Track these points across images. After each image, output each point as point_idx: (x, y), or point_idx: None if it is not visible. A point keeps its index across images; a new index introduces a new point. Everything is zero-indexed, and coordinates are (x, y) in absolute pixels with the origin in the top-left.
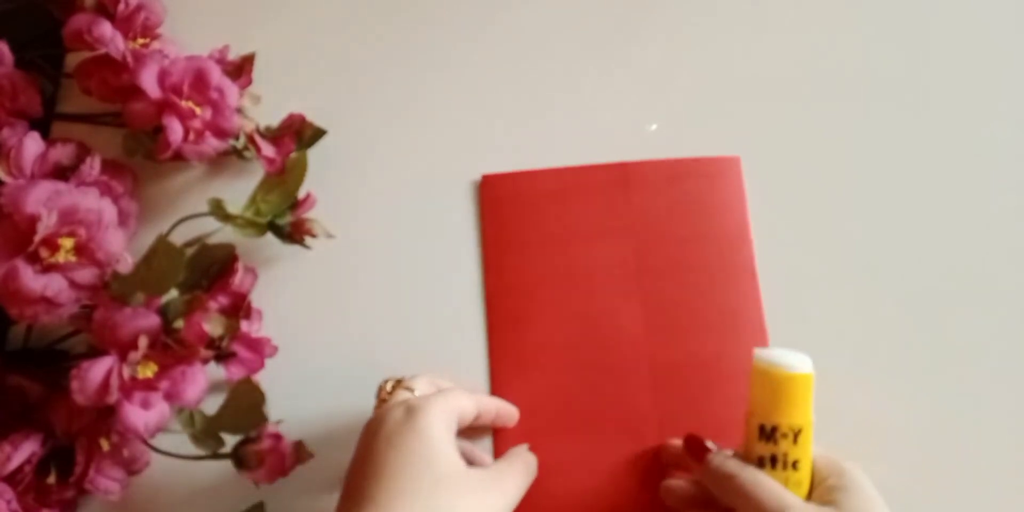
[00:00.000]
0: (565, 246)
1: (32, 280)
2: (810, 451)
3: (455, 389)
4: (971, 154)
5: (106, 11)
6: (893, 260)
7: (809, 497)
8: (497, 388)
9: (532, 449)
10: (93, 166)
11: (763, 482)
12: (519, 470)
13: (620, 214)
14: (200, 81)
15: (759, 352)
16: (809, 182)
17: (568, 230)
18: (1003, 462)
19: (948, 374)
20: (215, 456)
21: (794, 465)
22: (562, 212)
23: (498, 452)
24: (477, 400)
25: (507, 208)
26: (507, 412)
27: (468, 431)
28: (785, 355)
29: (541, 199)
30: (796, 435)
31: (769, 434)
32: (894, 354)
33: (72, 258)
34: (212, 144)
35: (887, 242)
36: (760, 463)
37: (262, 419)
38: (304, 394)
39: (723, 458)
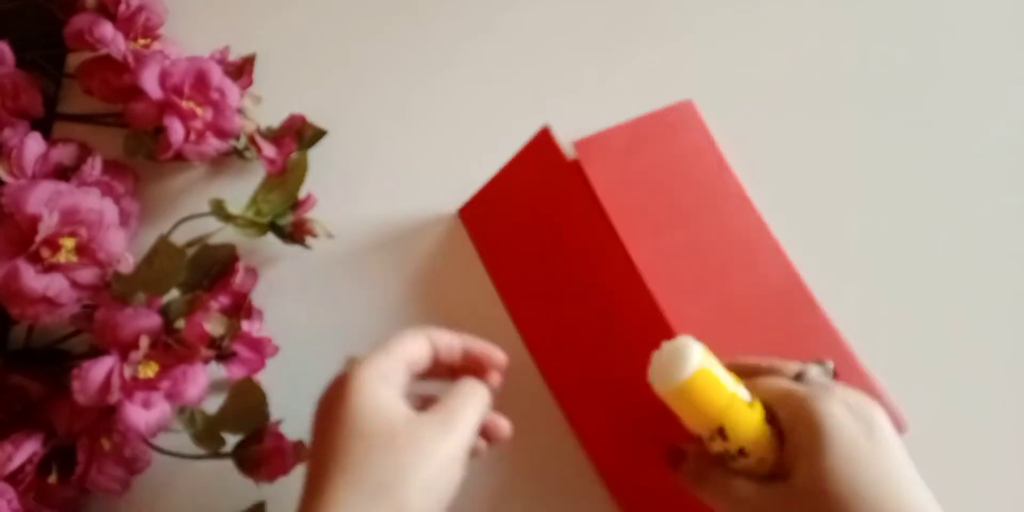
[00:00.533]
0: (556, 241)
1: (33, 280)
2: (750, 430)
3: (403, 335)
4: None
5: (107, 12)
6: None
7: (780, 464)
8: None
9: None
10: (94, 166)
11: (713, 489)
12: (469, 404)
13: (595, 192)
14: (201, 82)
15: (650, 372)
16: (809, 182)
17: (554, 222)
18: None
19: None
20: (216, 455)
21: (741, 452)
22: (541, 207)
23: None
24: (429, 338)
25: (491, 225)
26: (481, 348)
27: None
28: (663, 366)
29: (516, 199)
30: (720, 432)
31: (703, 440)
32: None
33: (73, 258)
34: (213, 144)
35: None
36: (720, 461)
37: (263, 418)
38: (304, 394)
39: (687, 468)
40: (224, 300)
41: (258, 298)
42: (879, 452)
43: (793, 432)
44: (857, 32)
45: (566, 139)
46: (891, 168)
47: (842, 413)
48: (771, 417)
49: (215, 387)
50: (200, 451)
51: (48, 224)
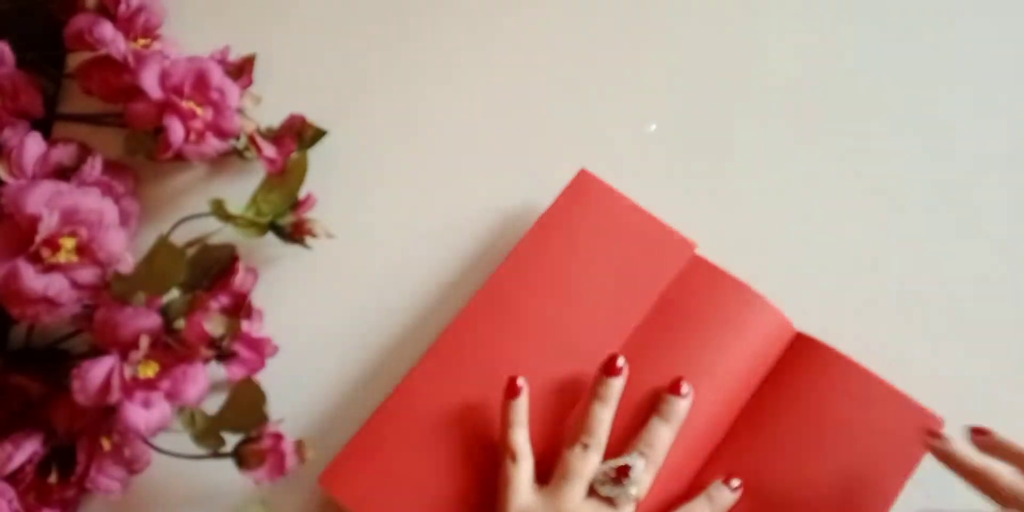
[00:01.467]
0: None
1: (33, 280)
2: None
3: None
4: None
5: (107, 12)
6: None
7: None
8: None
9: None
10: (94, 166)
11: None
12: None
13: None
14: (201, 82)
15: None
16: (808, 182)
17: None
18: None
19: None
20: (216, 455)
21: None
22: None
23: None
24: None
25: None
26: None
27: None
28: None
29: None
30: None
31: None
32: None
33: (73, 258)
34: (213, 144)
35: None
36: None
37: (263, 418)
38: (304, 394)
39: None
40: (224, 300)
41: (258, 298)
42: None
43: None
44: (856, 32)
45: (567, 139)
46: (887, 169)
47: None
48: None
49: (215, 387)
50: (200, 451)
51: (48, 224)
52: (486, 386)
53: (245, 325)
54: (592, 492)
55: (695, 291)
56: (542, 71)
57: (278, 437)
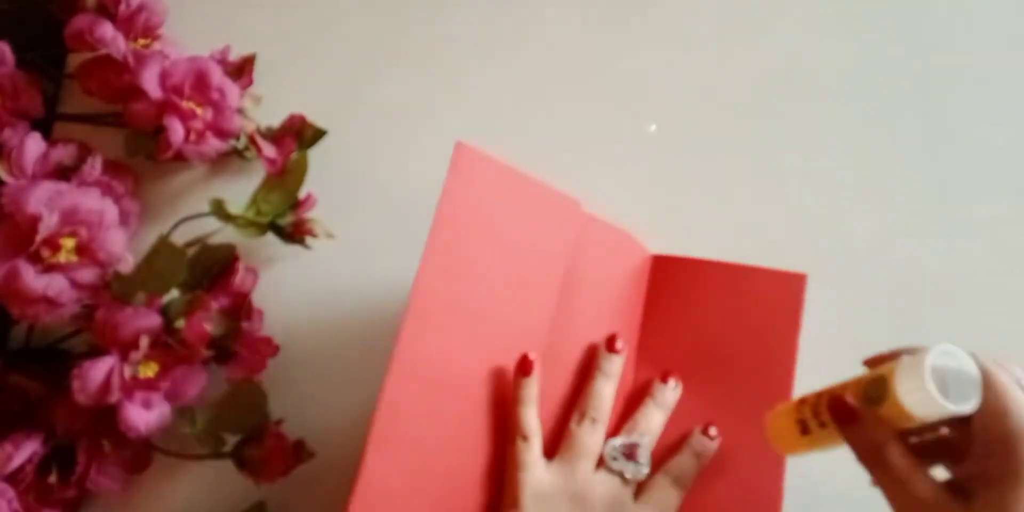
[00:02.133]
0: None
1: (34, 280)
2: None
3: None
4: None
5: (107, 12)
6: None
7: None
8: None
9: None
10: (94, 166)
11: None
12: None
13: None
14: (201, 82)
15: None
16: (806, 183)
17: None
18: None
19: None
20: (216, 456)
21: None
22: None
23: None
24: None
25: None
26: None
27: None
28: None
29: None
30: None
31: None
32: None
33: (73, 258)
34: (213, 144)
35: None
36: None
37: (263, 419)
38: (304, 394)
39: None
40: (224, 300)
41: (258, 298)
42: None
43: (988, 458)
44: (855, 33)
45: (567, 139)
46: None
47: None
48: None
49: (215, 387)
50: (200, 451)
51: (48, 224)
52: (456, 380)
53: (245, 325)
54: (600, 465)
55: (586, 247)
56: (543, 70)
57: (278, 437)
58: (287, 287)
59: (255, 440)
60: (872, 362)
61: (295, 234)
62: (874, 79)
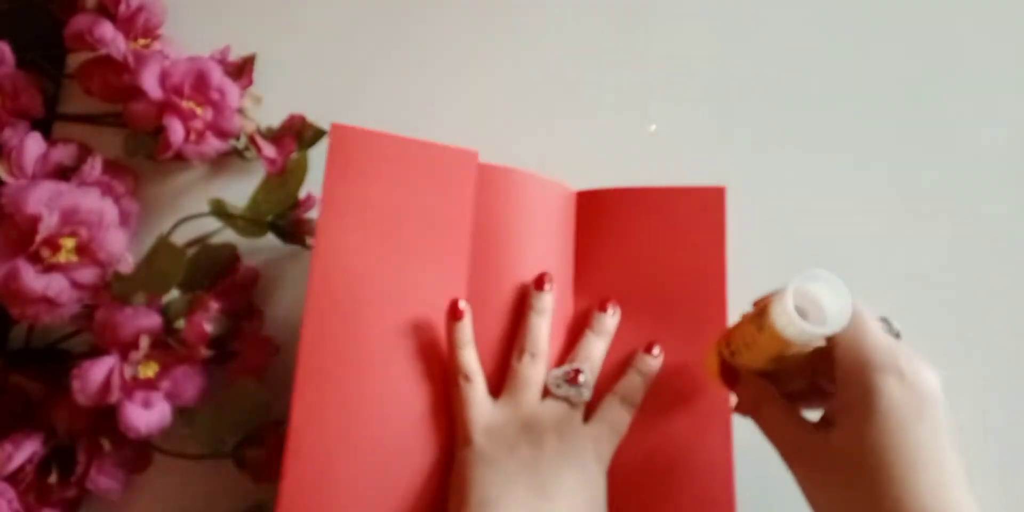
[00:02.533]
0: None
1: (34, 280)
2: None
3: None
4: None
5: (107, 12)
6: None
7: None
8: None
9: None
10: (94, 166)
11: (763, 417)
12: None
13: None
14: (201, 82)
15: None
16: (804, 187)
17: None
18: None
19: None
20: (216, 456)
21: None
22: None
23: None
24: None
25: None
26: None
27: None
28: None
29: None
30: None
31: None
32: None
33: (73, 258)
34: (213, 144)
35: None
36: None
37: (263, 419)
38: None
39: (742, 389)
40: (224, 300)
41: (258, 298)
42: (925, 438)
43: (845, 388)
44: (855, 35)
45: (568, 138)
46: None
47: (898, 390)
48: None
49: (215, 388)
50: (200, 451)
51: (48, 224)
52: (377, 337)
53: (245, 325)
54: (545, 395)
55: (490, 196)
56: (544, 70)
57: (279, 438)
58: (287, 287)
59: (255, 440)
60: (760, 300)
61: (295, 234)
62: (873, 79)
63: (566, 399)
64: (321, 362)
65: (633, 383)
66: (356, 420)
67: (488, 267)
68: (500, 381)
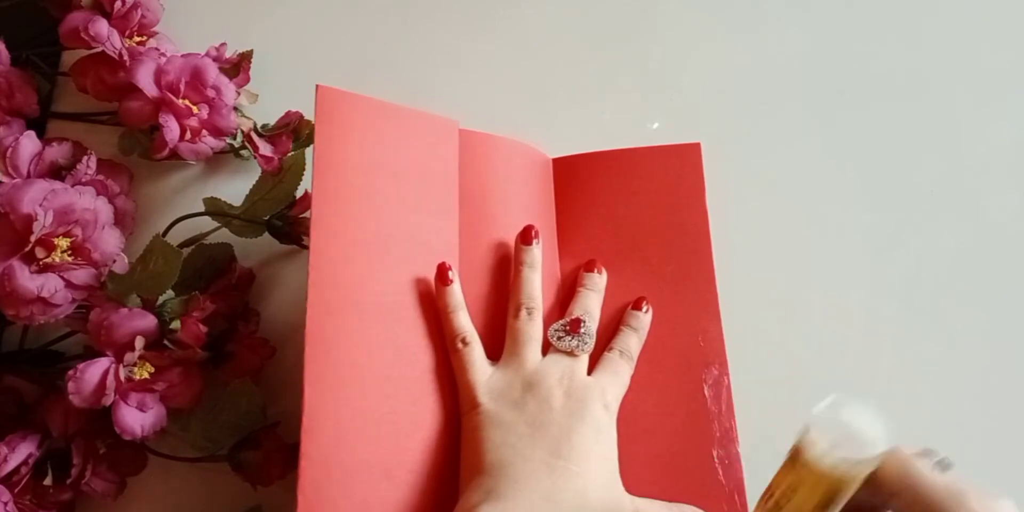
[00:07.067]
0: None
1: (28, 280)
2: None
3: None
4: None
5: (102, 9)
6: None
7: None
8: None
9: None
10: (89, 165)
11: None
12: None
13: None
14: (197, 79)
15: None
16: (803, 185)
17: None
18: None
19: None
20: (212, 458)
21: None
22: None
23: None
24: None
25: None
26: None
27: None
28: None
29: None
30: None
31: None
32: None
33: (68, 258)
34: (209, 143)
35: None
36: None
37: (259, 421)
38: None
39: None
40: (220, 301)
41: (255, 298)
42: None
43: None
44: (855, 33)
45: (568, 139)
46: (881, 173)
47: None
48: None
49: (211, 389)
50: (196, 454)
51: (42, 224)
52: (378, 304)
53: (241, 326)
54: (547, 349)
55: (472, 160)
56: (544, 69)
57: (275, 440)
58: (284, 287)
59: (251, 443)
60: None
61: (292, 233)
62: (873, 79)
63: (569, 352)
64: (327, 331)
65: (628, 338)
66: (368, 394)
67: (479, 230)
68: (496, 343)
